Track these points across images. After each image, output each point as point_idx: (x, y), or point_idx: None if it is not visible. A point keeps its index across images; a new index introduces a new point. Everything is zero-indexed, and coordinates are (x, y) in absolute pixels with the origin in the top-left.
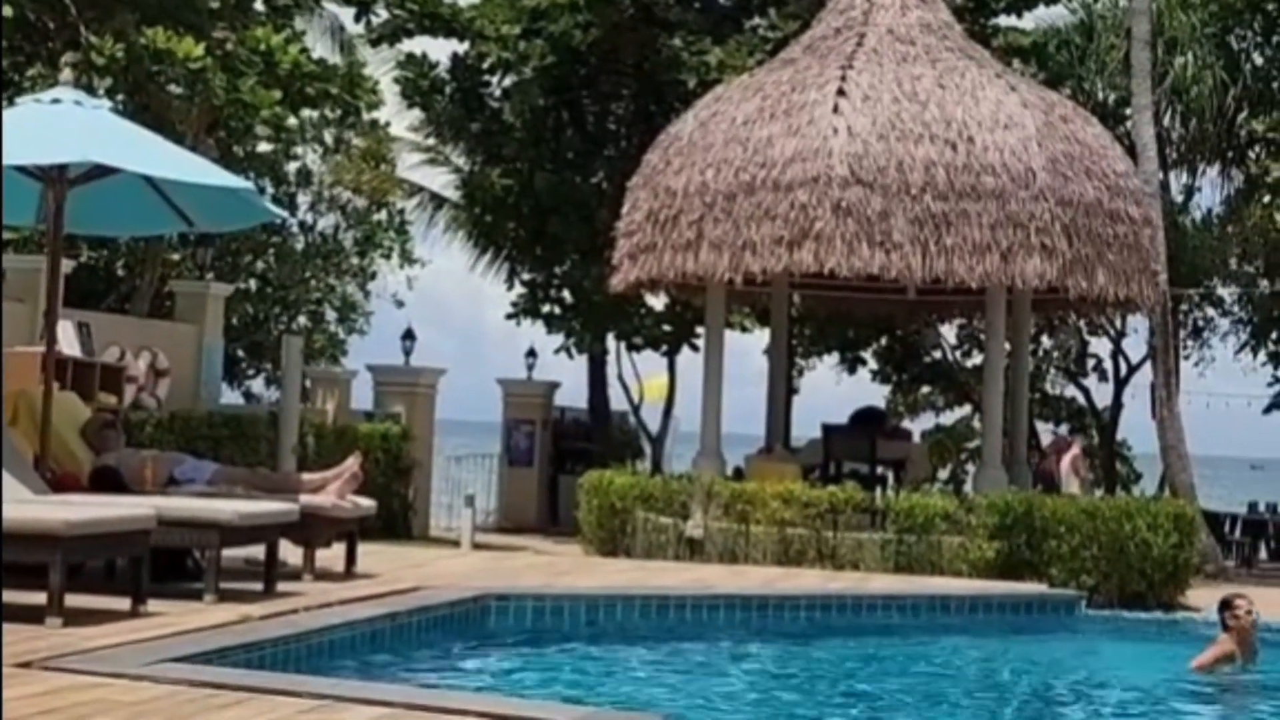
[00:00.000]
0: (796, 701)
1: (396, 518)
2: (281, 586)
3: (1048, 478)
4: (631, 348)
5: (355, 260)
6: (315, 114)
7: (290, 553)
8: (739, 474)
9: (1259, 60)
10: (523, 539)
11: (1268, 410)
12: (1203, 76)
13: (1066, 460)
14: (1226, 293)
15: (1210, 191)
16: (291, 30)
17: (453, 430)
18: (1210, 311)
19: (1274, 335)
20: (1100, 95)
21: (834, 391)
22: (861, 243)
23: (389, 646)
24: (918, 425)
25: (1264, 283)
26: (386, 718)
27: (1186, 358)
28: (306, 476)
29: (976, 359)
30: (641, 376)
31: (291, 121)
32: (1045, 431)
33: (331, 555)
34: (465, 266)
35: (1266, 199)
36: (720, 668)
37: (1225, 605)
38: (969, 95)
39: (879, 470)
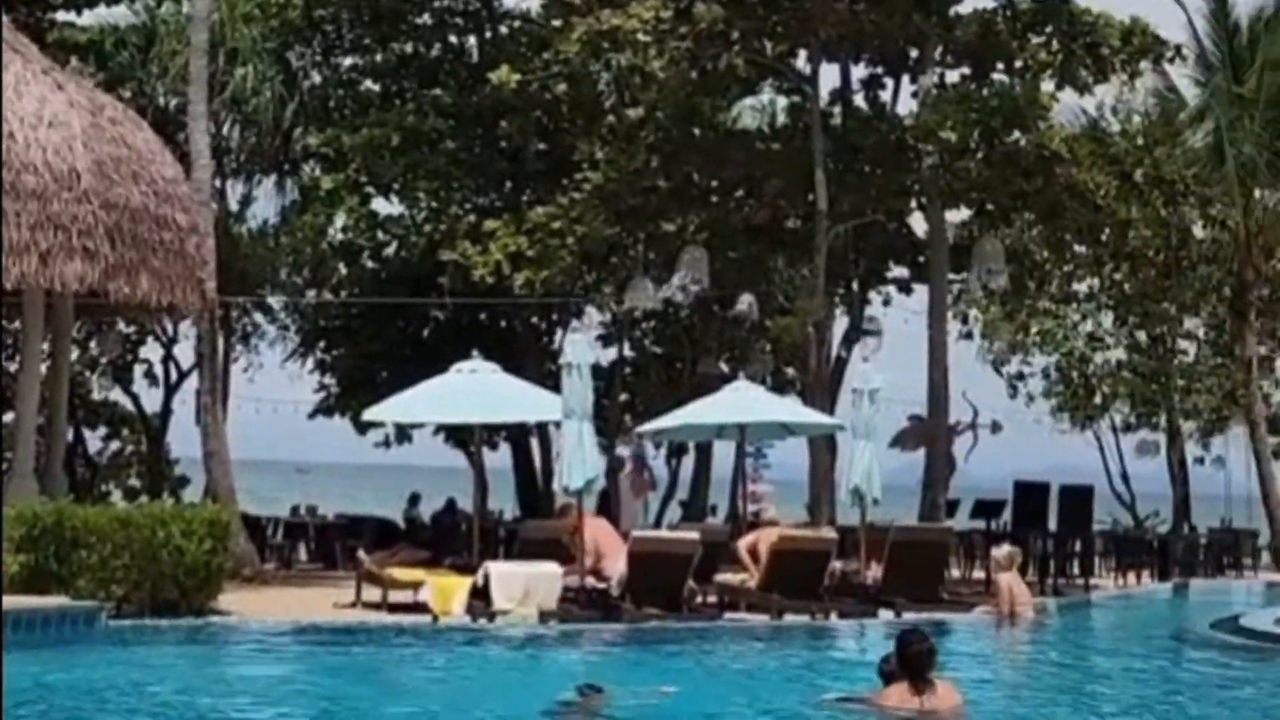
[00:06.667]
0: None
1: None
2: None
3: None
4: None
5: None
6: None
7: None
8: None
9: (317, 78)
10: None
11: (313, 415)
12: (262, 89)
13: (621, 477)
14: (276, 301)
15: (266, 202)
16: None
17: None
18: (260, 319)
19: (321, 344)
20: (161, 100)
21: None
22: None
23: None
24: None
25: (311, 292)
26: None
27: (236, 362)
28: None
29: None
30: None
31: None
32: None
33: None
34: None
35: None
36: None
37: (896, 656)
38: (11, 90)
39: None
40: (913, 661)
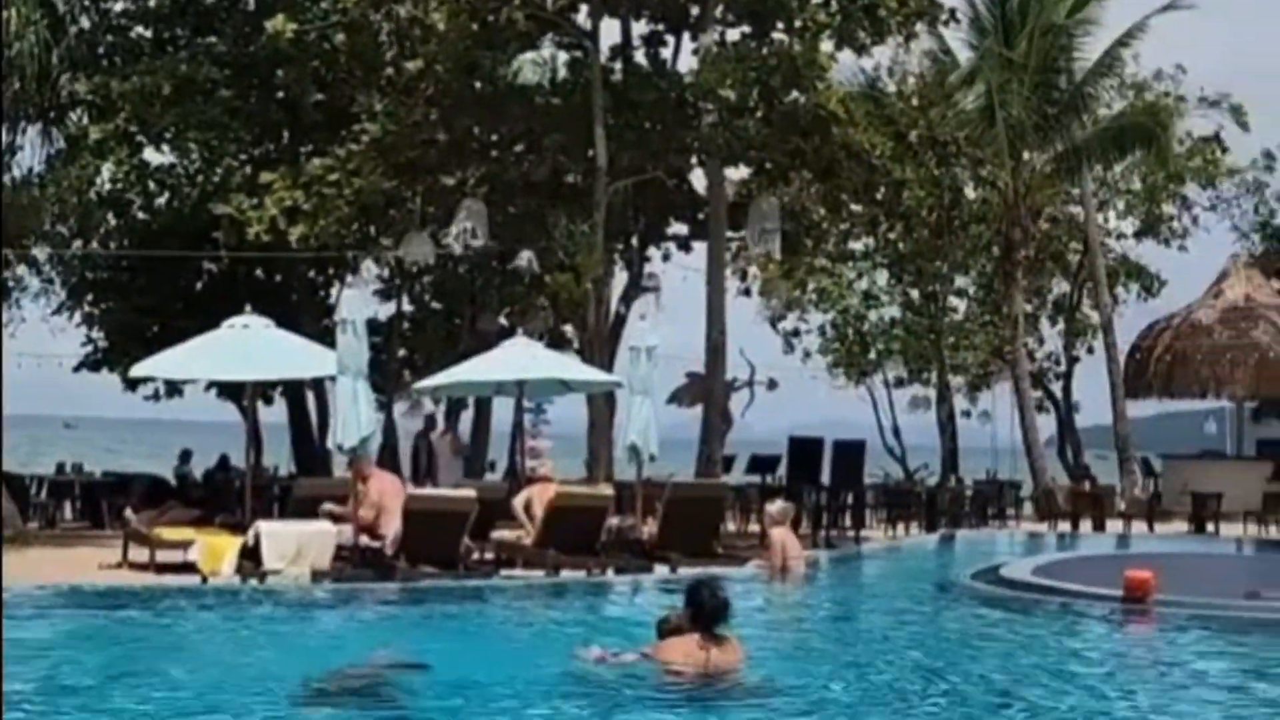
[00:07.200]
0: None
1: None
2: None
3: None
4: None
5: None
6: None
7: None
8: None
9: (85, 22)
10: None
11: (78, 369)
12: (26, 33)
13: (435, 437)
14: (40, 253)
15: (30, 151)
16: None
17: None
18: (23, 271)
19: (89, 297)
20: None
21: None
22: None
23: None
24: None
25: (77, 244)
26: None
27: None
28: None
29: None
30: None
31: None
32: None
33: None
34: None
35: (85, 160)
36: None
37: (689, 609)
38: None
39: None
40: (710, 614)
